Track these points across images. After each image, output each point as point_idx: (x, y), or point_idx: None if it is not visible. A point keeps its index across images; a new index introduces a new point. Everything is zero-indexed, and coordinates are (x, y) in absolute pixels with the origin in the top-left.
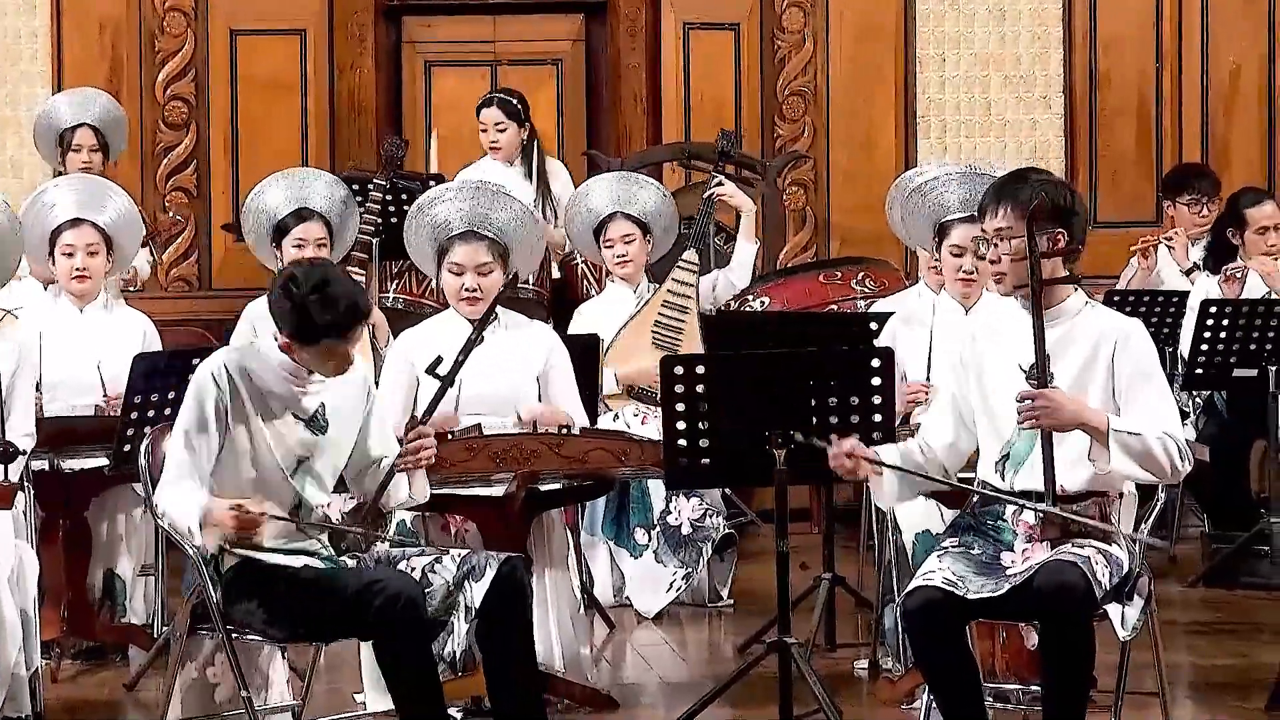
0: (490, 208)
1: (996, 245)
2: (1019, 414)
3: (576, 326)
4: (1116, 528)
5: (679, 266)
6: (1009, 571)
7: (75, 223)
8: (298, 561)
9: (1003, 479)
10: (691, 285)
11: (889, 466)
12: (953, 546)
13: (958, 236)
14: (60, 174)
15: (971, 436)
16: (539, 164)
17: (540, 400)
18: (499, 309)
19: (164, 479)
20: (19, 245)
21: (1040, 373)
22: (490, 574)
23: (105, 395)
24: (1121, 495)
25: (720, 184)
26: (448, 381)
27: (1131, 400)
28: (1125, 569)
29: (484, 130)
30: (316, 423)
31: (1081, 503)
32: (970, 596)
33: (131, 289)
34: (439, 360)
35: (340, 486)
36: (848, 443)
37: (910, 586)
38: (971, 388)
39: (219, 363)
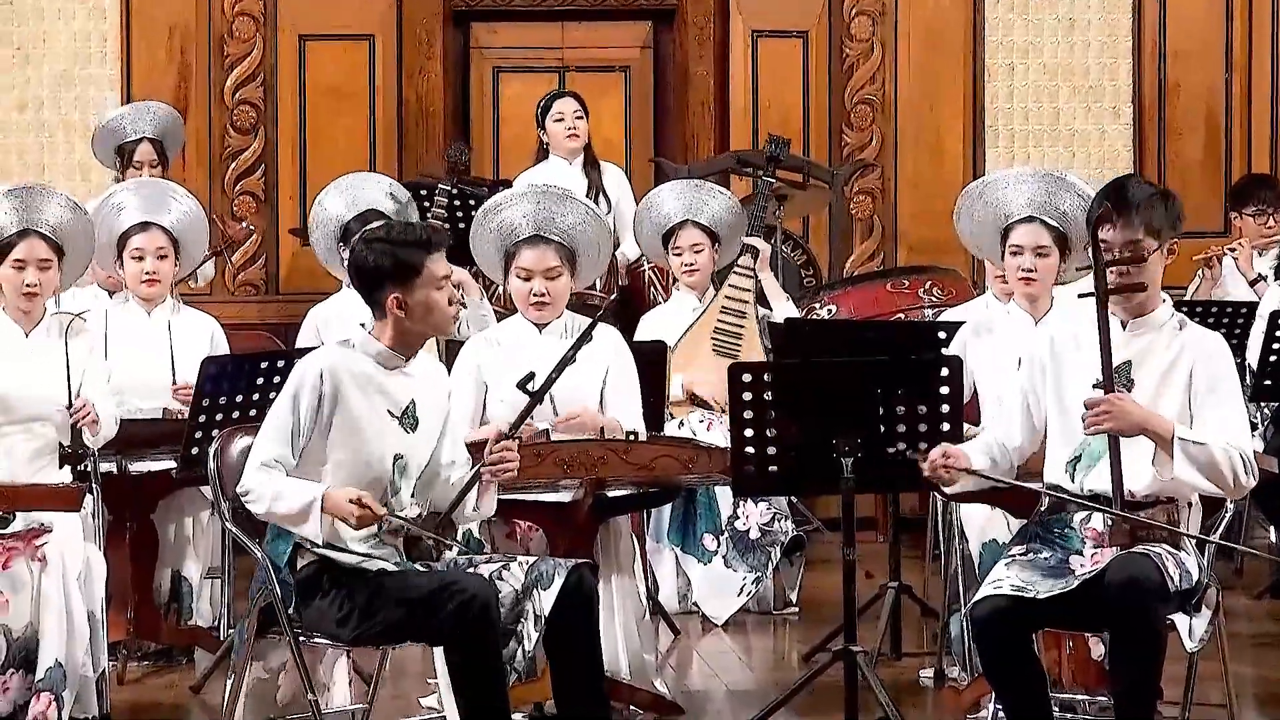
0: (556, 211)
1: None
2: (1084, 420)
3: (642, 333)
4: (1187, 531)
5: (735, 272)
6: (1078, 573)
7: (144, 226)
8: (372, 565)
9: (1073, 480)
10: (748, 290)
11: (981, 475)
12: (1020, 555)
13: (1016, 236)
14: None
15: (1036, 438)
16: (594, 165)
17: (601, 402)
18: (568, 314)
19: (253, 466)
20: (91, 241)
21: (1106, 378)
22: (559, 582)
23: (174, 386)
24: (1190, 504)
25: (755, 250)
26: (538, 398)
27: (1203, 411)
28: (1195, 578)
29: (560, 119)
30: (409, 419)
31: (1149, 509)
32: (1041, 596)
33: (192, 284)
34: (531, 376)
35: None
36: (938, 451)
37: (979, 595)
38: (1048, 391)
39: (321, 358)
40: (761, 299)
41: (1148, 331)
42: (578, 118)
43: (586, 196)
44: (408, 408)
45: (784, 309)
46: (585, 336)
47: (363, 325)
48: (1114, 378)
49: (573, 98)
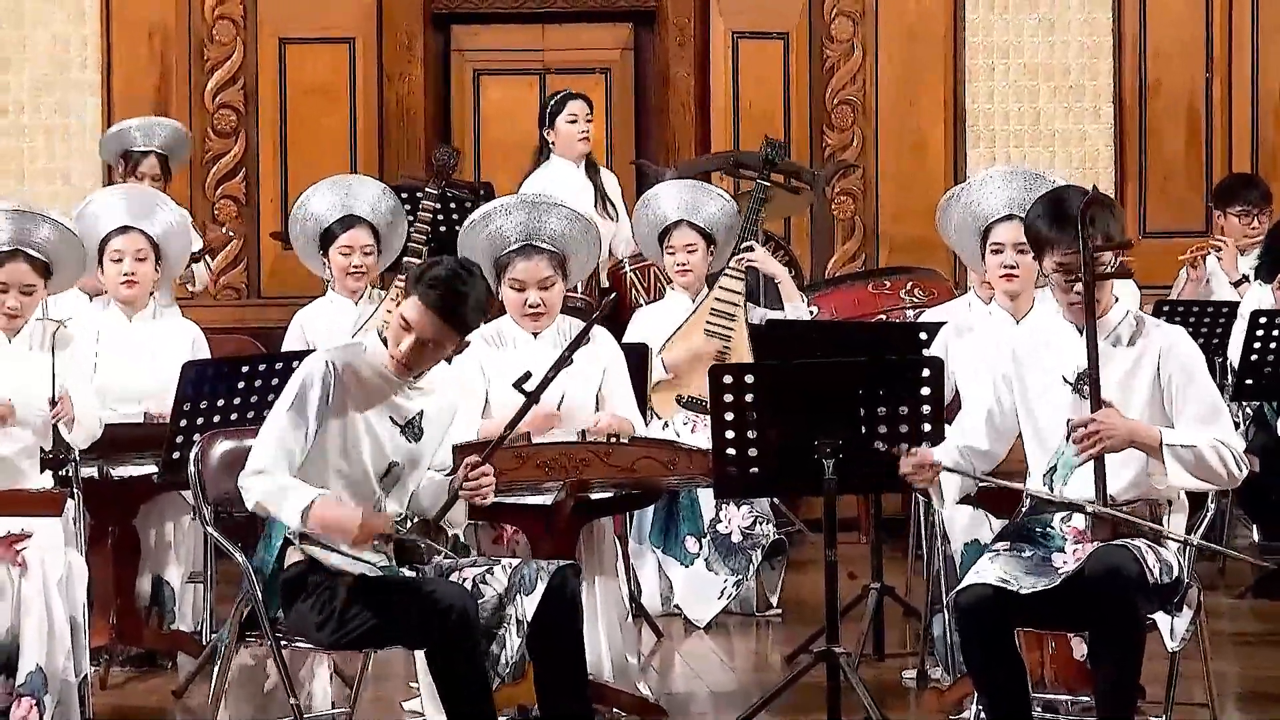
0: (545, 219)
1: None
2: (1074, 442)
3: (633, 331)
4: (1166, 528)
5: (725, 274)
6: (1060, 571)
7: (124, 229)
8: (357, 568)
9: (1051, 489)
10: (738, 293)
11: (959, 472)
12: (1004, 549)
13: (996, 234)
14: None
15: (1003, 446)
16: (595, 169)
17: (596, 404)
18: (560, 317)
19: (256, 463)
20: (82, 261)
21: (1093, 385)
22: (541, 586)
23: (150, 413)
24: (1171, 503)
25: (751, 249)
26: (533, 398)
27: (1183, 409)
28: (1175, 574)
29: (573, 120)
30: (413, 429)
31: (1132, 506)
32: (1023, 592)
33: (189, 288)
34: (527, 375)
35: None
36: (919, 454)
37: (962, 584)
38: (1017, 402)
39: (328, 355)
40: (765, 298)
41: (1105, 333)
42: (589, 120)
43: (594, 199)
44: (414, 418)
45: (798, 309)
46: (582, 337)
47: (378, 332)
48: (1084, 383)
49: (584, 100)
